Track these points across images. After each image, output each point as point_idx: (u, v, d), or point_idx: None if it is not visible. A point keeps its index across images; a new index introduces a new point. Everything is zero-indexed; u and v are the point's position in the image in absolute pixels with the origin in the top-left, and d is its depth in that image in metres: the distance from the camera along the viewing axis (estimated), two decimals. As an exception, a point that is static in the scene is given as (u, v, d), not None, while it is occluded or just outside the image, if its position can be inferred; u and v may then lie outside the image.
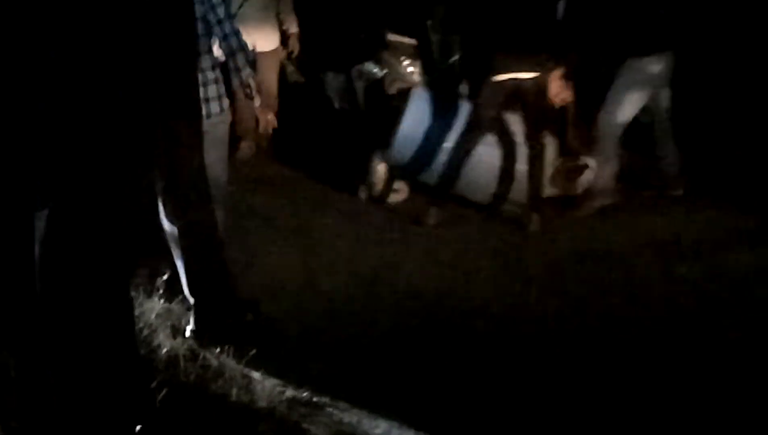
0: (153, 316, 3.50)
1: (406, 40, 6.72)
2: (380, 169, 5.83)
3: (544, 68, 5.14)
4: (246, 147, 6.54)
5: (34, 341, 2.39)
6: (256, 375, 3.22)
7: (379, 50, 6.74)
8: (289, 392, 3.15)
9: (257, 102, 3.76)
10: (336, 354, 3.50)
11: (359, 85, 6.83)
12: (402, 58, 6.72)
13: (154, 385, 2.91)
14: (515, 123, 5.49)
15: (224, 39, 3.56)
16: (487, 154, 5.45)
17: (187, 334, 3.42)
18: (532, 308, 4.14)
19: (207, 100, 3.55)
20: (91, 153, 2.25)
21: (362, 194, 5.83)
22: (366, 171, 5.88)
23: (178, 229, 3.32)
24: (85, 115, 2.24)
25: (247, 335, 3.39)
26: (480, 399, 3.23)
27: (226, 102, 3.67)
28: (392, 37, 6.70)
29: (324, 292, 4.18)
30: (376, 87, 6.83)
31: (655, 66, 5.44)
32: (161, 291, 3.66)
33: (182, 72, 3.08)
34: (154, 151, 2.86)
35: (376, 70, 6.84)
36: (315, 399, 3.12)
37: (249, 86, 3.62)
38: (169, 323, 3.48)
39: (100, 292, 2.34)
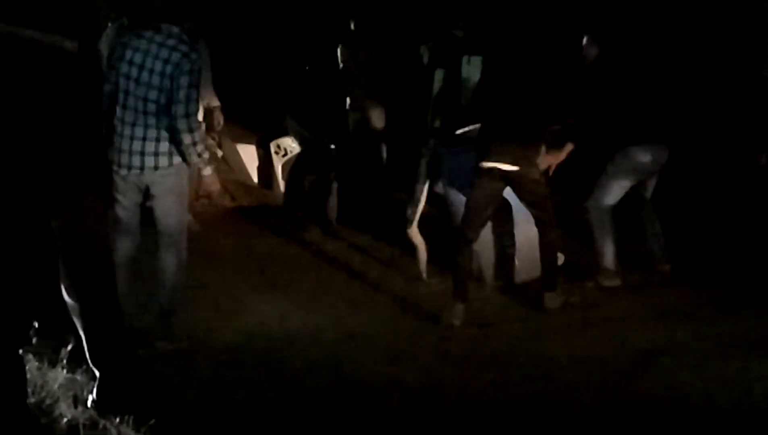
0: (56, 386, 3.53)
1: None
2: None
3: (528, 161, 5.14)
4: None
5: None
6: (154, 443, 3.32)
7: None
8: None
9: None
10: (233, 419, 3.63)
11: (277, 159, 7.08)
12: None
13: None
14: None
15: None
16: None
17: (89, 403, 3.49)
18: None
19: (156, 154, 4.38)
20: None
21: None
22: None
23: (78, 303, 3.43)
24: None
25: (147, 405, 3.50)
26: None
27: (177, 159, 4.41)
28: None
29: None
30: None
31: (646, 156, 5.62)
32: (65, 361, 3.73)
33: None
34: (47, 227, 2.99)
35: (294, 144, 7.09)
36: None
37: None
38: (71, 393, 3.52)
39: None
